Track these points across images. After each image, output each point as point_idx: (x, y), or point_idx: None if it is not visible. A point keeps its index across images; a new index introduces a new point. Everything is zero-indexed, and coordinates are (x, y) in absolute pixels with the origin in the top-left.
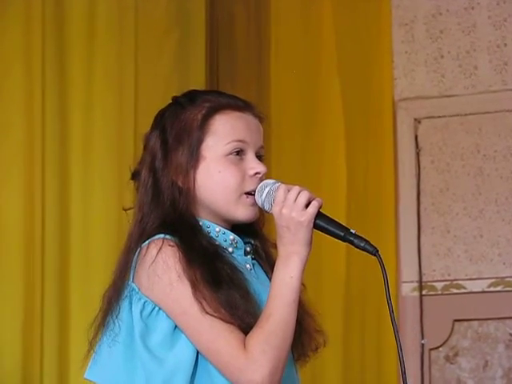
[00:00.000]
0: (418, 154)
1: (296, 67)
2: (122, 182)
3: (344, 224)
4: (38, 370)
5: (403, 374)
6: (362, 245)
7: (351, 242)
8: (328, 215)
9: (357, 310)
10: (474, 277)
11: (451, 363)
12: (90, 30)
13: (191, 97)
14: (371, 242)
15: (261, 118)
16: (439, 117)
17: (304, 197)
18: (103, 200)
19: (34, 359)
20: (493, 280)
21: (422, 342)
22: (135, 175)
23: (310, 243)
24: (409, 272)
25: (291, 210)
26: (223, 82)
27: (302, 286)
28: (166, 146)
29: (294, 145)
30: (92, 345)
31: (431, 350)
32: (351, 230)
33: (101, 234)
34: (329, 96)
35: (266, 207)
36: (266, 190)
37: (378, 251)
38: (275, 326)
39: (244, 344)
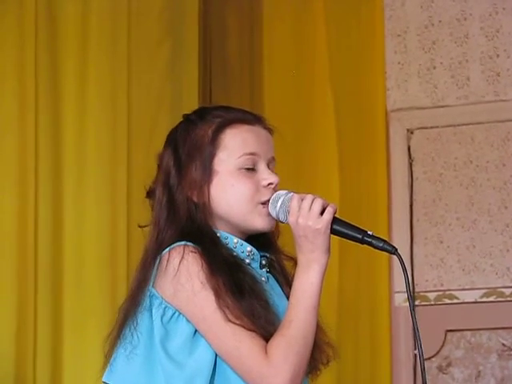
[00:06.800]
0: (410, 165)
1: (289, 78)
2: (115, 187)
3: (360, 226)
4: (32, 377)
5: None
6: (381, 245)
7: (370, 244)
8: (343, 219)
9: (350, 323)
10: (467, 287)
11: (444, 373)
12: (83, 41)
13: (201, 113)
14: (389, 242)
15: (270, 130)
16: (432, 127)
17: (318, 204)
18: (96, 205)
19: (27, 367)
20: (485, 290)
21: (415, 352)
22: (150, 194)
23: (329, 250)
24: (401, 282)
25: (307, 218)
26: (216, 91)
27: None
28: (180, 163)
29: (286, 156)
30: (108, 358)
31: (424, 360)
32: (368, 232)
33: (94, 240)
34: (321, 107)
35: (281, 218)
36: (280, 200)
37: (396, 250)
38: (296, 331)
39: (266, 350)
